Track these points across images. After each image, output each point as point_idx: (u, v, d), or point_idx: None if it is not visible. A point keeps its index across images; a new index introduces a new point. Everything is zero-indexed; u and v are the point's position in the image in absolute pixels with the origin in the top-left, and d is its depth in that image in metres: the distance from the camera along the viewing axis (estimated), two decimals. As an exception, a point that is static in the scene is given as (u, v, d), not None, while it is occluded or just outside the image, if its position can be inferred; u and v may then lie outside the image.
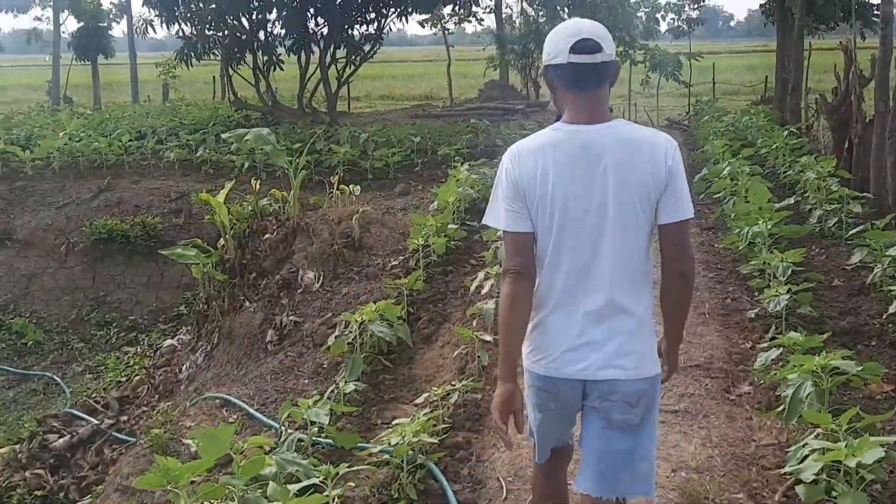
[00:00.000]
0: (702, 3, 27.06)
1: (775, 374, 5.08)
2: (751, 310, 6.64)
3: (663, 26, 27.15)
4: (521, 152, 2.82)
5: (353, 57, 19.98)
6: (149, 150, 14.87)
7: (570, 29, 2.81)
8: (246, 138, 9.01)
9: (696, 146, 15.96)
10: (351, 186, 10.35)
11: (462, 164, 11.43)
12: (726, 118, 15.87)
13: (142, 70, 30.68)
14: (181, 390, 8.40)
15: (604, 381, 2.78)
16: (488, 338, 5.91)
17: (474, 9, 27.46)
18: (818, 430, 4.13)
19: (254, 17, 18.79)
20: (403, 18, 19.54)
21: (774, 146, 12.21)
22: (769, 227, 7.26)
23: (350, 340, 6.44)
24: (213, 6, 17.20)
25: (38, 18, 36.07)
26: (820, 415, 3.97)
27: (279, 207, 9.67)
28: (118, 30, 65.80)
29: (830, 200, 8.85)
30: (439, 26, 29.03)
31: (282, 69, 19.25)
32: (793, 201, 9.04)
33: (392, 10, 19.45)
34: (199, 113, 20.47)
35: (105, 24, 29.66)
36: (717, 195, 9.92)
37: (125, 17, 29.25)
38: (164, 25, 17.69)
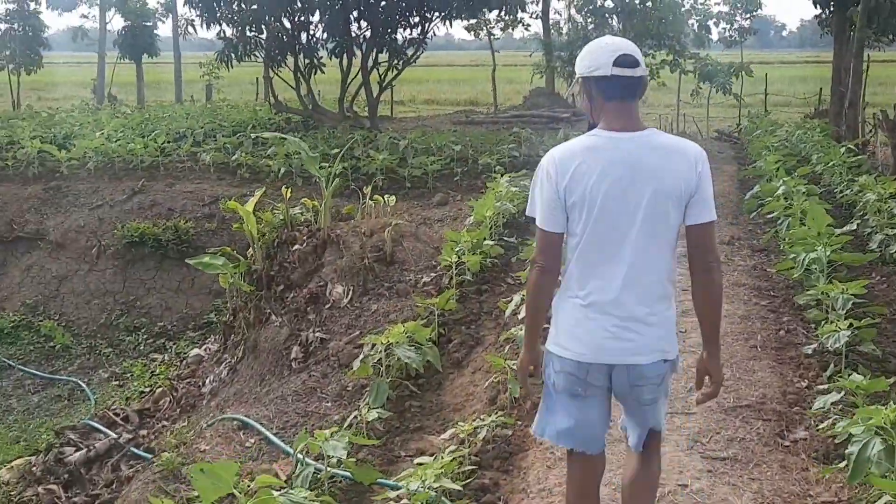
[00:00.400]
0: (754, 13, 26.35)
1: (835, 420, 4.63)
2: (807, 344, 6.14)
3: (714, 35, 26.52)
4: (561, 155, 3.03)
5: (396, 61, 19.66)
6: (185, 153, 14.66)
7: (611, 45, 3.05)
8: (282, 138, 8.68)
9: (746, 160, 15.39)
10: (386, 196, 9.99)
11: (502, 175, 11.03)
12: (779, 132, 15.28)
13: (187, 70, 30.72)
14: (203, 405, 8.11)
15: (634, 365, 3.04)
16: (522, 368, 5.51)
17: (521, 14, 27.13)
18: (886, 499, 3.68)
19: (295, 19, 18.54)
20: (448, 23, 19.14)
21: (831, 164, 11.64)
22: (828, 253, 6.76)
23: (375, 363, 6.08)
24: (254, 7, 16.95)
25: (84, 16, 36.26)
26: (890, 482, 3.52)
27: (311, 217, 9.35)
28: (164, 29, 66.30)
29: (892, 224, 8.32)
30: (485, 31, 28.65)
31: (323, 72, 18.99)
32: (854, 227, 8.50)
33: (436, 14, 19.07)
34: (239, 115, 20.30)
35: (150, 24, 29.72)
36: (771, 215, 9.41)
37: (171, 16, 29.26)
38: (205, 26, 17.49)
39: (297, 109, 19.80)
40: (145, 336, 11.46)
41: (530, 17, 27.55)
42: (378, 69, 19.54)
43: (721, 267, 3.15)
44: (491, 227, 8.60)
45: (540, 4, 27.54)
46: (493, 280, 7.86)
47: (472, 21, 27.81)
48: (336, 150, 14.52)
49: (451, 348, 6.72)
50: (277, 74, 19.11)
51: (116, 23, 30.47)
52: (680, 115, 23.62)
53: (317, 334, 7.55)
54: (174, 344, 11.10)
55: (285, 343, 7.71)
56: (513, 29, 28.41)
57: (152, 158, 14.24)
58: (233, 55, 18.01)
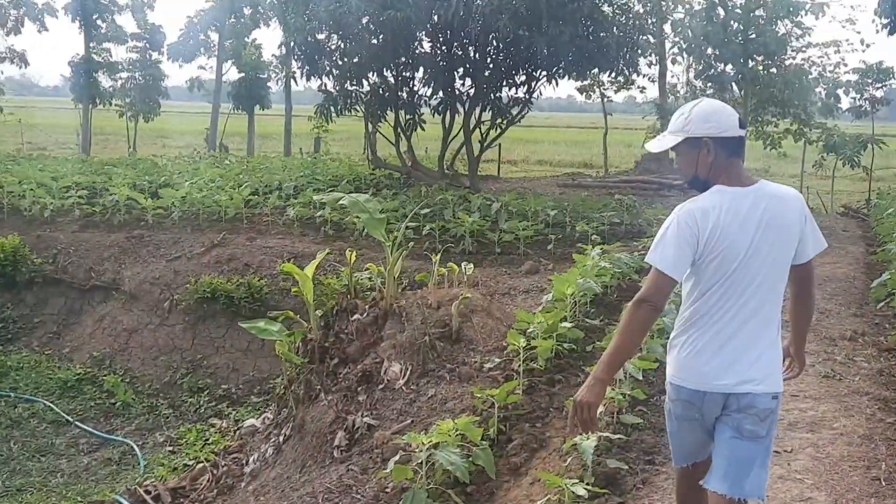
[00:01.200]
0: (886, 83, 24.62)
1: None
2: (948, 484, 4.95)
3: (844, 104, 24.90)
4: (699, 209, 3.31)
5: (501, 120, 18.98)
6: (271, 207, 14.19)
7: (727, 109, 3.41)
8: (341, 202, 7.94)
9: (875, 242, 13.93)
10: (464, 264, 9.15)
11: (594, 246, 10.06)
12: (914, 211, 13.82)
13: (298, 122, 30.86)
14: (241, 488, 7.33)
15: (744, 394, 3.31)
16: (582, 491, 4.52)
17: (635, 77, 26.21)
18: None
19: (398, 73, 18.11)
20: (554, 82, 18.35)
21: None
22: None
23: (416, 465, 5.19)
24: (356, 60, 16.56)
25: (202, 67, 37.11)
26: None
27: (379, 283, 8.57)
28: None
29: None
30: (598, 92, 27.80)
31: (423, 129, 18.45)
32: None
33: (543, 73, 18.34)
34: (337, 169, 19.91)
35: (264, 76, 30.03)
36: (902, 308, 8.16)
37: (283, 68, 29.48)
38: (306, 78, 17.19)
39: (396, 166, 19.29)
40: (207, 398, 10.84)
41: (645, 78, 26.55)
42: (481, 128, 18.89)
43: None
44: (572, 307, 7.63)
45: (657, 67, 26.57)
46: (569, 369, 6.86)
47: (585, 82, 27.07)
48: (427, 211, 13.85)
49: (510, 450, 5.75)
50: (378, 130, 18.68)
51: (232, 74, 30.97)
52: (804, 188, 22.10)
53: (365, 419, 6.71)
54: (235, 410, 10.42)
55: (331, 426, 6.89)
56: (627, 90, 27.48)
57: (236, 210, 13.82)
58: (332, 109, 17.67)
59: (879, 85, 24.27)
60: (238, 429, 9.34)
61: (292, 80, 24.35)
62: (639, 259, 10.61)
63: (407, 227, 12.86)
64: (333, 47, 16.79)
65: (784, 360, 3.61)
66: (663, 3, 26.61)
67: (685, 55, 24.35)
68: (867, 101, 24.54)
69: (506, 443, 5.87)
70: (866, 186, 23.67)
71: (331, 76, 17.23)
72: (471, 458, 5.38)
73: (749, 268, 3.30)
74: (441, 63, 18.13)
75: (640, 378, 5.83)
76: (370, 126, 18.42)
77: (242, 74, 29.44)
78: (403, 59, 17.86)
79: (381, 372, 7.14)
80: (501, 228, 12.84)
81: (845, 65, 27.47)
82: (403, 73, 18.18)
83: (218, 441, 9.35)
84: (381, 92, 17.94)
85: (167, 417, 10.59)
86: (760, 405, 3.31)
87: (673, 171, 24.83)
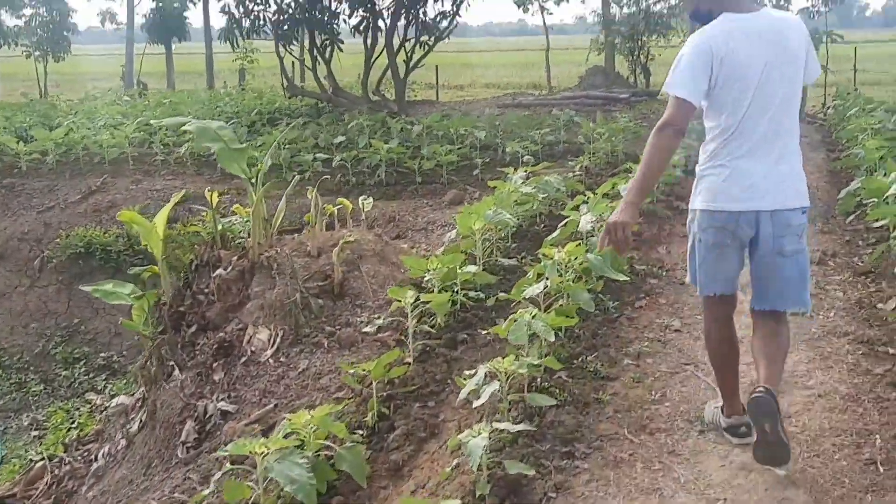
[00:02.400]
0: (842, -21, 23.19)
1: None
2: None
3: (796, 5, 23.48)
4: (711, 36, 3.40)
5: (428, 38, 17.31)
6: (158, 144, 12.48)
7: None
8: (185, 128, 6.35)
9: (837, 146, 12.62)
10: (361, 199, 7.67)
11: (523, 169, 8.61)
12: (877, 113, 12.48)
13: (225, 57, 28.69)
14: (81, 495, 5.90)
15: (780, 211, 3.43)
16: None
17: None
18: None
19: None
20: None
21: (952, 151, 8.91)
22: None
23: (255, 480, 3.79)
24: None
25: (111, -2, 34.44)
26: None
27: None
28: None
29: None
30: (536, 5, 26.06)
31: (340, 49, 16.71)
32: None
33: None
34: (250, 102, 18.14)
35: (179, 6, 27.77)
36: (879, 223, 6.82)
37: (200, -4, 27.33)
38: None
39: (314, 93, 17.60)
40: (84, 370, 9.34)
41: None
42: (405, 47, 17.20)
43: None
44: (483, 245, 6.20)
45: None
46: (477, 323, 5.45)
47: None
48: (342, 139, 12.31)
49: (390, 443, 4.35)
50: (290, 53, 16.90)
51: (147, 6, 28.61)
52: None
53: (220, 404, 5.27)
54: (112, 383, 8.94)
55: (181, 414, 5.45)
56: (568, 1, 25.70)
57: (121, 151, 12.13)
58: (237, 33, 15.87)
59: (832, -18, 22.87)
60: (105, 408, 7.87)
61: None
62: (574, 180, 9.22)
63: (315, 159, 11.38)
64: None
65: None
66: None
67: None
68: (820, 1, 23.14)
69: (388, 431, 4.48)
70: (822, 92, 22.38)
71: (231, -5, 15.39)
72: (332, 462, 4.00)
73: (769, 86, 3.40)
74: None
75: (554, 339, 4.43)
76: (282, 50, 16.57)
77: (155, 4, 27.16)
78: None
79: (244, 341, 5.69)
80: (422, 155, 11.33)
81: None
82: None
83: (86, 423, 7.90)
84: (290, 11, 16.16)
85: (37, 395, 9.09)
86: (795, 221, 3.46)
87: (619, 84, 23.36)
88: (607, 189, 6.40)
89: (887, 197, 6.82)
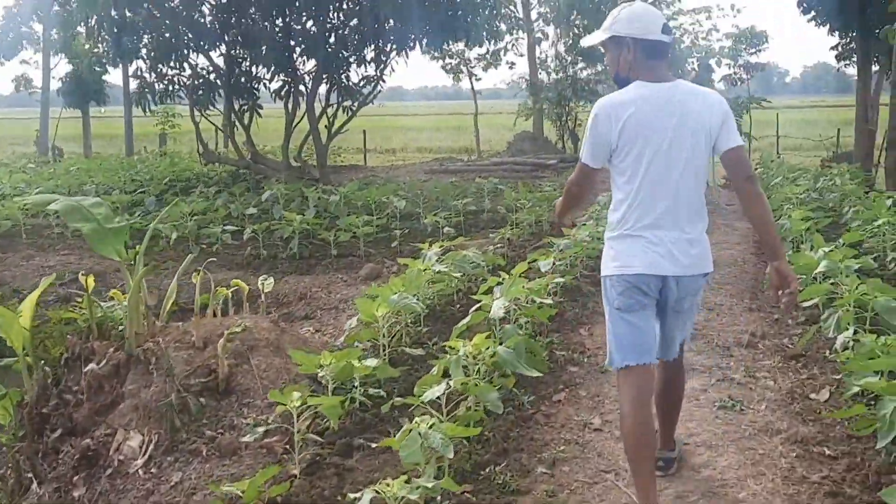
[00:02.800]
0: (761, 48, 23.55)
1: None
2: None
3: (718, 74, 23.78)
4: (617, 101, 3.55)
5: (351, 102, 16.89)
6: (56, 217, 11.73)
7: (653, 13, 3.69)
8: (52, 207, 5.69)
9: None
10: (261, 279, 7.07)
11: (443, 241, 8.11)
12: (803, 181, 12.32)
13: (148, 121, 27.90)
14: None
15: (682, 276, 3.59)
16: None
17: (502, 53, 24.53)
18: None
19: (228, 52, 15.81)
20: (405, 54, 16.36)
21: (877, 224, 8.66)
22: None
23: None
24: (168, 37, 14.18)
25: (25, 62, 33.53)
26: None
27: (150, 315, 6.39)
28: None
29: None
30: (465, 71, 25.95)
31: (259, 115, 16.17)
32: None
33: (394, 45, 16.31)
34: (166, 169, 17.46)
35: (100, 69, 26.98)
36: (807, 303, 6.45)
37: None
38: (112, 62, 14.72)
39: (233, 159, 16.99)
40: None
41: (513, 53, 24.89)
42: (328, 112, 16.76)
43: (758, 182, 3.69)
44: (393, 330, 5.65)
45: (524, 42, 24.90)
46: (377, 425, 4.86)
47: (451, 62, 25.28)
48: (253, 211, 11.71)
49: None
50: (205, 117, 16.30)
51: (64, 69, 27.74)
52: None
53: (78, 528, 4.57)
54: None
55: (34, 539, 4.72)
56: (495, 67, 25.68)
57: (13, 223, 11.34)
58: (149, 97, 15.25)
59: (753, 50, 23.21)
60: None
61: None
62: (495, 253, 8.77)
63: (224, 231, 10.77)
64: (142, 23, 14.31)
65: (771, 279, 3.66)
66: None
67: (553, 26, 22.74)
68: (742, 68, 23.46)
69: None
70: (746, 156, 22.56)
71: (142, 58, 14.77)
72: None
73: (671, 154, 3.52)
74: (279, 39, 15.91)
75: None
76: (197, 115, 15.97)
77: (72, 68, 26.31)
78: (228, 38, 15.60)
79: (112, 449, 5.00)
80: (337, 226, 10.78)
81: (717, 30, 26.52)
82: (233, 52, 15.88)
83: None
84: (207, 75, 15.62)
85: None
86: (697, 285, 3.68)
87: (548, 149, 23.24)
88: (523, 270, 5.91)
89: (816, 274, 6.46)
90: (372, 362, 4.96)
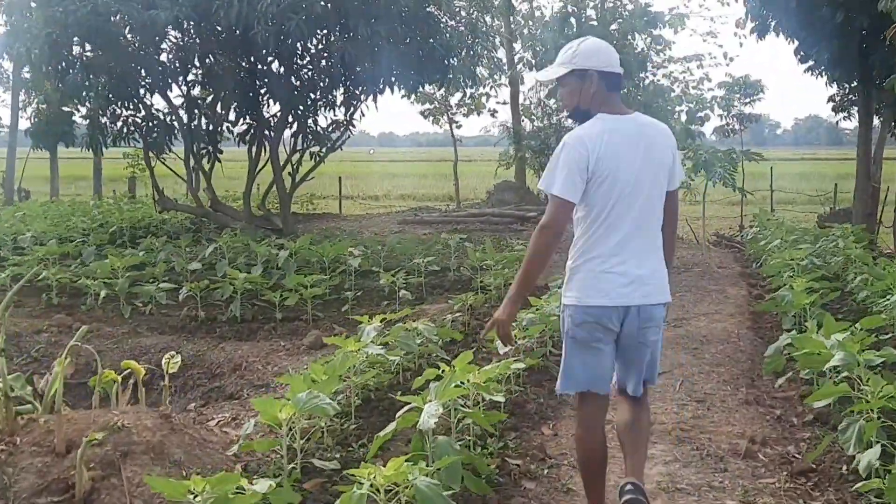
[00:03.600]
0: (756, 97, 22.65)
1: None
2: None
3: (710, 125, 22.82)
4: (586, 135, 3.58)
5: (321, 148, 15.87)
6: (-25, 269, 10.57)
7: (610, 48, 3.76)
8: None
9: (759, 282, 11.32)
10: (165, 358, 5.92)
11: (377, 316, 6.96)
12: (804, 244, 11.23)
13: (119, 164, 26.81)
14: None
15: (644, 306, 3.64)
16: None
17: (483, 91, 23.62)
18: None
19: (187, 93, 14.81)
20: (373, 98, 15.38)
21: (889, 301, 7.56)
22: None
23: None
24: (120, 75, 13.16)
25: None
26: None
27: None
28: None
29: None
30: (445, 117, 25.05)
31: (218, 160, 15.11)
32: None
33: (363, 88, 15.34)
34: (120, 216, 16.35)
35: (69, 109, 25.91)
36: (819, 404, 5.31)
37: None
38: (59, 103, 13.68)
39: (190, 207, 15.91)
40: None
41: (494, 99, 24.04)
42: (292, 159, 15.72)
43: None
44: (298, 437, 4.49)
45: (507, 88, 24.01)
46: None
47: (429, 106, 24.39)
48: (198, 266, 10.62)
49: None
50: (162, 162, 15.23)
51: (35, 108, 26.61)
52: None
53: None
54: None
55: None
56: (477, 113, 24.74)
57: (-76, 277, 10.18)
58: (101, 140, 14.20)
59: (748, 100, 22.32)
60: None
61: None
62: (452, 325, 7.68)
63: (159, 289, 9.66)
64: (91, 61, 13.27)
65: None
66: (514, 20, 24.20)
67: (535, 71, 21.83)
68: (735, 119, 22.54)
69: None
70: (737, 210, 21.51)
71: (90, 99, 13.72)
72: None
73: (638, 187, 3.60)
74: (243, 79, 14.91)
75: None
76: (152, 159, 14.90)
77: (37, 108, 25.22)
78: (182, 77, 14.60)
79: None
80: (282, 286, 9.66)
81: (709, 80, 25.72)
82: (193, 93, 14.87)
83: None
84: (164, 117, 14.61)
85: None
86: (658, 314, 3.72)
87: (529, 200, 22.22)
88: (468, 360, 4.79)
89: (831, 369, 5.35)
90: (263, 486, 3.81)
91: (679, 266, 12.62)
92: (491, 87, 23.99)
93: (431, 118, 25.03)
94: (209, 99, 15.07)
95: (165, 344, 8.48)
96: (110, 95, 13.69)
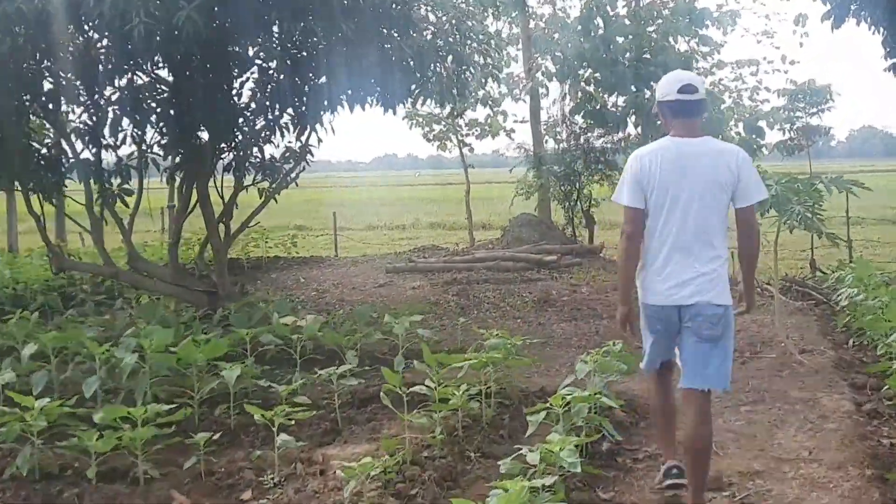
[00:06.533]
0: (824, 107, 18.45)
1: None
2: None
3: (769, 139, 18.84)
4: (643, 153, 4.50)
5: (271, 183, 12.30)
6: None
7: (678, 77, 4.58)
8: None
9: (868, 381, 7.35)
10: None
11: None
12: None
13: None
14: None
15: (692, 304, 4.35)
16: None
17: (499, 109, 19.97)
18: None
19: (93, 114, 11.29)
20: (330, 117, 11.78)
21: None
22: None
23: None
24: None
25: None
26: None
27: None
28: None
29: None
30: (454, 140, 21.36)
31: (125, 204, 11.51)
32: None
33: (319, 111, 11.71)
34: (28, 272, 12.91)
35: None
36: None
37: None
38: None
39: (93, 266, 12.35)
40: None
41: (512, 118, 20.27)
42: (223, 197, 12.09)
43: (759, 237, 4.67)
44: None
45: (526, 104, 20.23)
46: None
47: (433, 131, 20.77)
48: (81, 360, 7.08)
49: None
50: (56, 207, 11.70)
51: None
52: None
53: None
54: None
55: None
56: (493, 136, 21.01)
57: None
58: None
59: (815, 110, 18.17)
60: None
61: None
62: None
63: None
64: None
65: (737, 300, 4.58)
66: (534, 25, 20.56)
67: (556, 80, 18.06)
68: (801, 133, 18.41)
69: None
70: (796, 238, 17.07)
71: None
72: None
73: (688, 202, 4.34)
74: (171, 100, 11.38)
75: None
76: (41, 203, 11.36)
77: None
78: (84, 97, 11.13)
79: None
80: (94, 420, 5.99)
81: (767, 89, 21.68)
82: (95, 118, 11.33)
83: None
84: (46, 150, 11.15)
85: None
86: (709, 312, 4.32)
87: (552, 237, 18.37)
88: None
89: None
90: None
91: (743, 346, 8.78)
92: (506, 103, 20.32)
93: (437, 141, 21.33)
94: (125, 123, 11.47)
95: None
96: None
